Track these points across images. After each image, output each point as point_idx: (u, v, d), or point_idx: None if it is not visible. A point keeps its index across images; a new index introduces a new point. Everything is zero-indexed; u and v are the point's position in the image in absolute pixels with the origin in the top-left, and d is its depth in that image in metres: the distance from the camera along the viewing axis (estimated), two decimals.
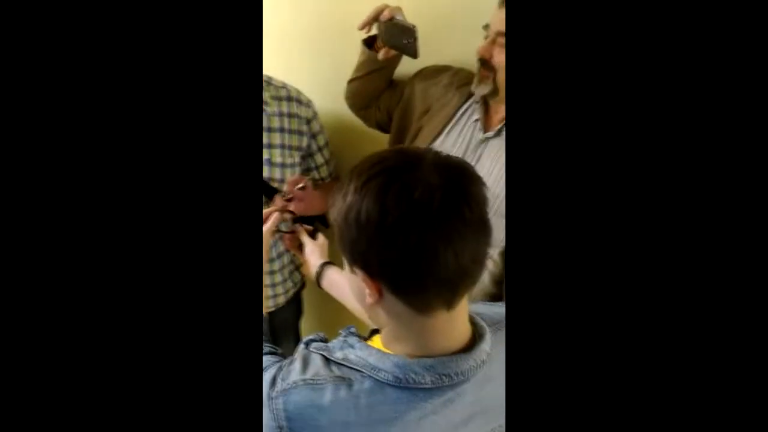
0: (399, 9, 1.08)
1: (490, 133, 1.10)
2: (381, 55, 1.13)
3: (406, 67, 1.21)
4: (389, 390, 0.56)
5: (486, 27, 1.03)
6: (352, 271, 0.56)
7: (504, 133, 1.09)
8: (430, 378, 0.56)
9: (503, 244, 1.12)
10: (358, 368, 0.58)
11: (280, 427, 0.58)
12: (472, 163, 1.04)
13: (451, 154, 0.56)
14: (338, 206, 0.54)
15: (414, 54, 1.07)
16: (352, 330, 0.66)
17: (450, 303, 0.55)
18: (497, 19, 1.01)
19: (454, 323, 0.59)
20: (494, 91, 1.05)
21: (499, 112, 1.09)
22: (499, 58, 1.01)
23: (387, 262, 0.52)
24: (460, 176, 0.53)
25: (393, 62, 1.18)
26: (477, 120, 1.11)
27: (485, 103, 1.10)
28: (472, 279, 0.55)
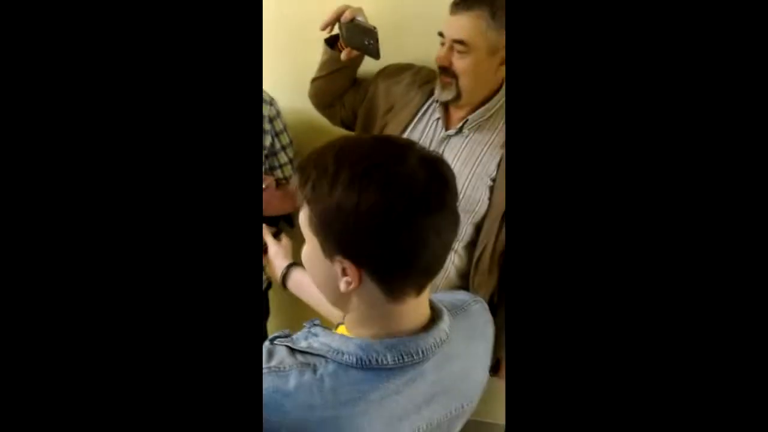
0: (360, 10, 1.09)
1: (451, 131, 1.12)
2: (344, 55, 1.14)
3: (370, 65, 1.22)
4: (353, 371, 0.57)
5: (441, 34, 1.05)
6: (331, 260, 0.57)
7: (464, 131, 1.11)
8: (392, 357, 0.58)
9: (468, 238, 1.15)
10: (322, 354, 0.59)
11: None
12: None
13: None
14: (321, 193, 0.54)
15: (376, 55, 1.09)
16: (316, 322, 0.67)
17: (421, 288, 0.59)
18: (449, 26, 1.04)
19: (418, 307, 0.61)
20: (457, 97, 1.07)
21: (459, 111, 1.12)
22: (458, 64, 1.04)
23: (384, 253, 0.54)
24: (443, 169, 0.56)
25: (356, 61, 1.20)
26: (438, 119, 1.14)
27: (445, 103, 1.12)
28: (443, 265, 0.59)
